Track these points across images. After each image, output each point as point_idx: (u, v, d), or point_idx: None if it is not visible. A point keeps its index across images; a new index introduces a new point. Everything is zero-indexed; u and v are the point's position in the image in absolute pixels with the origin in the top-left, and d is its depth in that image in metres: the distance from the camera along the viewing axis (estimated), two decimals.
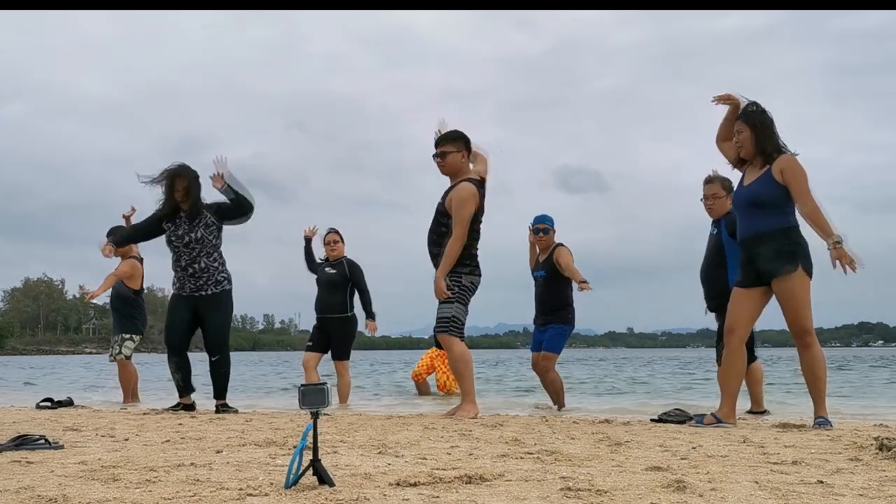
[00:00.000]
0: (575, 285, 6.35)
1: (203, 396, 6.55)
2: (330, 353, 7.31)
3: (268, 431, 4.19)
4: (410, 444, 3.55)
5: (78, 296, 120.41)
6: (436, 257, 5.32)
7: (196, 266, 5.91)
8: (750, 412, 5.77)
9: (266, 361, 33.41)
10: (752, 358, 5.62)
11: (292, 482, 2.33)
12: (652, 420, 5.01)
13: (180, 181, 5.89)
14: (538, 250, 6.71)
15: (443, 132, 5.43)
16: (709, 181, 5.75)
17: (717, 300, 5.58)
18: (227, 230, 6.10)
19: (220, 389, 6.08)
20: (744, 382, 5.04)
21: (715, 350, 5.76)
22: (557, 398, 6.74)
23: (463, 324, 5.32)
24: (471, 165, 5.47)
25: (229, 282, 6.05)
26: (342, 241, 7.35)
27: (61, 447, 3.43)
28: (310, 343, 7.30)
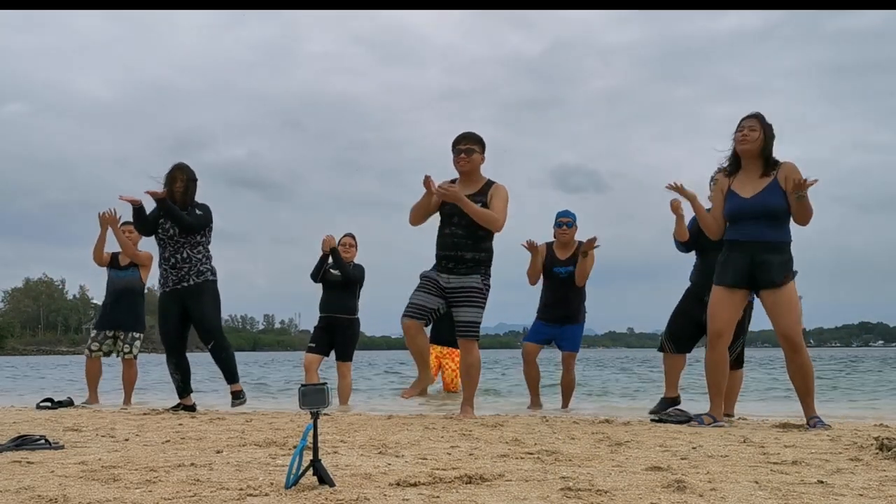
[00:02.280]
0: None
1: (206, 396, 6.55)
2: (334, 353, 7.32)
3: (268, 431, 4.19)
4: (410, 444, 3.55)
5: (79, 295, 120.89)
6: (470, 262, 5.25)
7: (178, 256, 6.00)
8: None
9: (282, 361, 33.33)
10: (739, 364, 5.66)
11: (292, 482, 2.33)
12: (652, 420, 5.02)
13: (181, 174, 6.07)
14: (552, 250, 6.69)
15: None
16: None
17: None
18: (218, 230, 6.20)
19: (227, 375, 6.10)
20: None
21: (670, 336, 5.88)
22: (566, 397, 6.82)
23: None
24: None
25: (213, 274, 6.11)
26: (356, 247, 7.44)
27: (61, 447, 3.43)
28: (312, 344, 7.30)
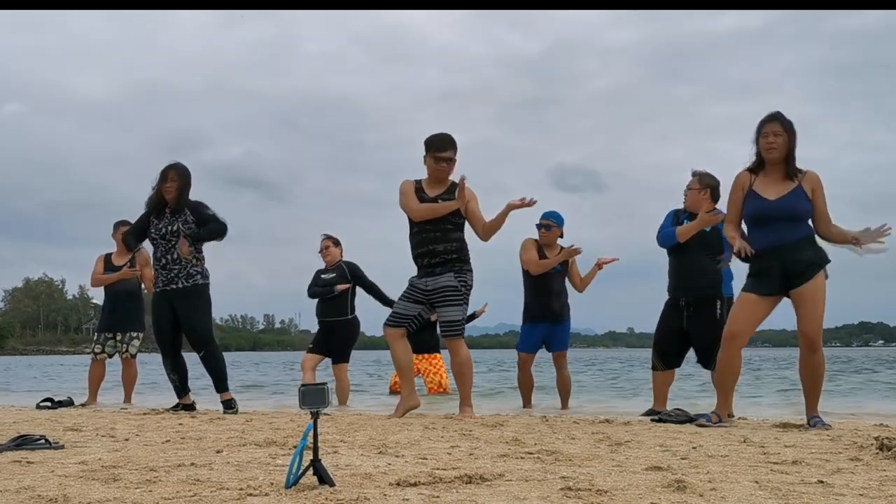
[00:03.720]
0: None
1: (203, 398, 6.54)
2: (330, 356, 7.33)
3: (268, 431, 4.19)
4: (410, 444, 3.55)
5: (79, 295, 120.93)
6: (442, 253, 5.25)
7: (168, 257, 5.93)
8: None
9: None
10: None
11: (292, 482, 2.33)
12: (652, 420, 5.02)
13: (173, 174, 5.96)
14: (541, 247, 6.69)
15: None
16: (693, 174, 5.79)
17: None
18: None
19: (216, 383, 6.04)
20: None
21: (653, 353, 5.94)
22: (565, 397, 6.81)
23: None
24: None
25: (203, 277, 6.00)
26: (336, 246, 7.37)
27: (61, 447, 3.43)
28: (311, 345, 7.36)
